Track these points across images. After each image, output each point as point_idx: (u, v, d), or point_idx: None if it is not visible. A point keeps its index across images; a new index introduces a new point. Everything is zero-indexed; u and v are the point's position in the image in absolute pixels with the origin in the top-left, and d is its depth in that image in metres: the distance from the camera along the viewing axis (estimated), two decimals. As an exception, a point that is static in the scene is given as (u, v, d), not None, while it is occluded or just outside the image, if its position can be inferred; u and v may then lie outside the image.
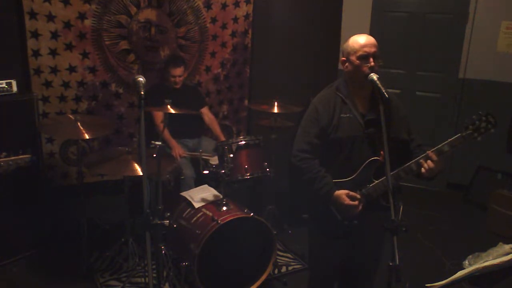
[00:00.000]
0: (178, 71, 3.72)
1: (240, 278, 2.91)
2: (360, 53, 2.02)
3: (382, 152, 2.04)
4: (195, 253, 2.68)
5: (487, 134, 1.91)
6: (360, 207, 2.08)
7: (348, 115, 2.09)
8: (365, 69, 2.01)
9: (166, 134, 3.52)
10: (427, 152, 1.99)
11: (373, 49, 2.02)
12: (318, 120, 2.11)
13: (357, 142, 2.09)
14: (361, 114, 2.10)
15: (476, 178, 4.57)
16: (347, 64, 2.09)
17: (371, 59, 2.01)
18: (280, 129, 3.66)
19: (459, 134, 1.94)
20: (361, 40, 2.04)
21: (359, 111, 2.11)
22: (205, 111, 4.01)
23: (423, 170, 1.98)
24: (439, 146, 1.98)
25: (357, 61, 2.03)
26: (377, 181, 2.09)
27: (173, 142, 3.57)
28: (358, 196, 2.09)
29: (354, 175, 2.12)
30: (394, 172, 2.02)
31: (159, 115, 3.67)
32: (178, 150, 3.53)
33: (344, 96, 2.12)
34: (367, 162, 2.09)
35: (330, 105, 2.11)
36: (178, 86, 3.76)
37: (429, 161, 1.97)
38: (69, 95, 3.79)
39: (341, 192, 2.07)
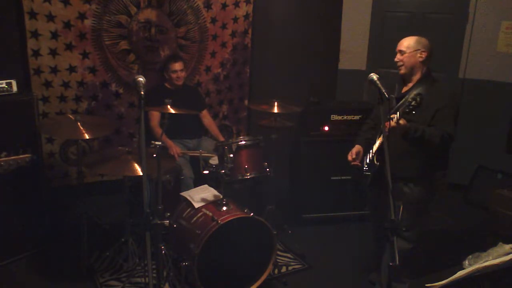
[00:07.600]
0: (178, 65, 3.71)
1: (240, 278, 2.91)
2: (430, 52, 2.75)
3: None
4: (195, 253, 2.68)
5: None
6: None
7: None
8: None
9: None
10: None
11: None
12: None
13: None
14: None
15: (476, 178, 4.56)
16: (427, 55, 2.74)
17: None
18: (280, 129, 3.65)
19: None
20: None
21: None
22: (204, 113, 4.00)
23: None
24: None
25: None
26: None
27: (169, 142, 3.55)
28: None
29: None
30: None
31: (155, 117, 3.67)
32: (175, 149, 3.51)
33: None
34: None
35: None
36: (179, 83, 3.75)
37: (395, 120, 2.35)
38: (69, 95, 3.80)
39: None
